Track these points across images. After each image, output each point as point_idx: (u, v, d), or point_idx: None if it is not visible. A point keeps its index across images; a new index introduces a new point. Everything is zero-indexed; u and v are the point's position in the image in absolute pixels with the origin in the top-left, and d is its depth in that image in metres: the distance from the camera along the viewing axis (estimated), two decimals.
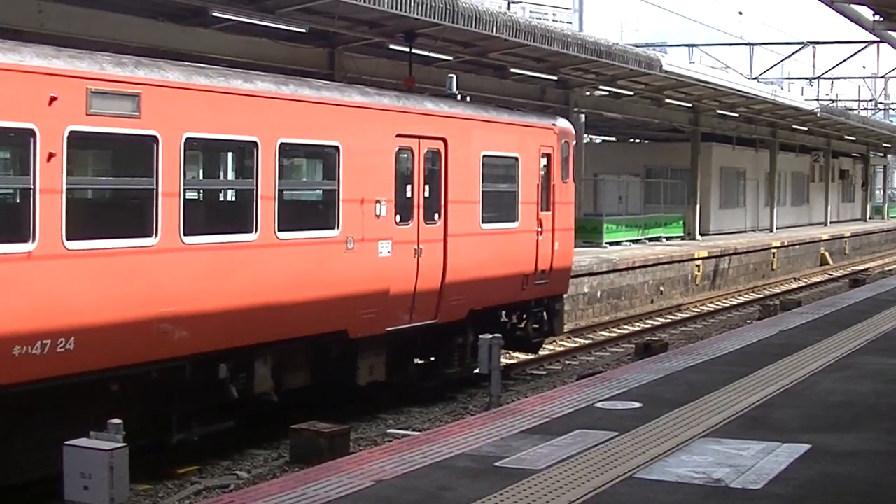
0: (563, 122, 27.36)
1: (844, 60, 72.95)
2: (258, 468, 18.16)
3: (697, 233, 58.06)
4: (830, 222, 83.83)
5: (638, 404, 15.22)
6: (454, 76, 25.34)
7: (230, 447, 19.13)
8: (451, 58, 34.79)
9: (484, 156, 23.74)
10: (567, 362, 30.46)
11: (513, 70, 39.01)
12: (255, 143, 17.78)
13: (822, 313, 26.77)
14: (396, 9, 26.95)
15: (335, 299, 19.51)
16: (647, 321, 39.93)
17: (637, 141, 69.80)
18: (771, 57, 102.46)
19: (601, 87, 45.38)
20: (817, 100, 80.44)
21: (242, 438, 19.63)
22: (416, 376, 23.59)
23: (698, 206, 58.48)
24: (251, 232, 17.79)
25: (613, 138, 71.20)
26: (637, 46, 47.96)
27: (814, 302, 34.62)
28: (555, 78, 41.46)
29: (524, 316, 26.64)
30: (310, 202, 21.01)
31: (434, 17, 28.56)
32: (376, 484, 11.13)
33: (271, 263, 18.09)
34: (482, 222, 23.65)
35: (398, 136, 21.11)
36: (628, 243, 51.23)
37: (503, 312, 25.71)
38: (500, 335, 21.64)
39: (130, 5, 25.34)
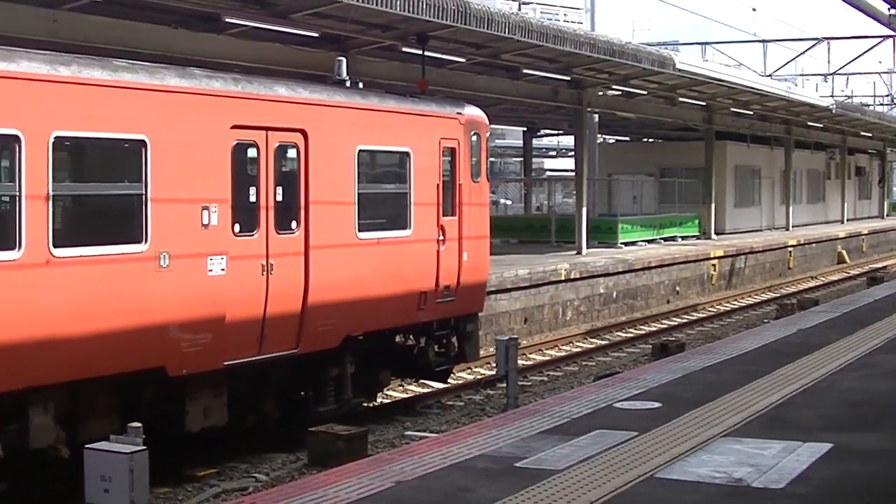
0: (471, 111, 23.78)
1: (860, 56, 72.63)
2: (276, 471, 18.25)
3: (713, 232, 57.88)
4: (847, 220, 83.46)
5: (657, 404, 15.18)
6: (343, 59, 22.15)
7: (248, 450, 19.23)
8: (463, 59, 34.76)
9: (361, 151, 20.09)
10: (584, 363, 30.50)
11: (525, 71, 38.97)
12: (15, 138, 14.48)
13: (840, 312, 26.62)
14: (408, 11, 26.92)
15: (143, 329, 15.93)
16: (664, 321, 39.95)
17: (651, 140, 69.72)
18: (785, 53, 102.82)
19: (614, 86, 45.20)
20: (832, 96, 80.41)
21: (260, 441, 19.74)
22: (280, 416, 19.63)
23: (713, 205, 58.28)
24: (13, 248, 14.46)
25: (627, 138, 71.12)
26: (649, 45, 47.92)
27: (831, 300, 34.59)
28: (567, 78, 41.37)
29: (426, 340, 22.98)
30: (104, 209, 16.41)
31: (446, 19, 28.52)
32: (396, 485, 11.13)
33: (45, 287, 14.77)
34: (359, 231, 19.93)
35: (236, 127, 17.49)
36: (643, 243, 51.13)
37: (396, 337, 22.55)
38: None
39: (144, 13, 25.39)
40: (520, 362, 23.41)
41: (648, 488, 11.08)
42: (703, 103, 54.04)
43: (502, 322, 33.24)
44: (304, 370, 19.51)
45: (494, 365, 23.17)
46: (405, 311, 21.35)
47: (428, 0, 27.32)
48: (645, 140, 69.97)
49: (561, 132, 70.94)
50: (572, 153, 55.76)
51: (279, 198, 18.29)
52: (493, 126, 32.97)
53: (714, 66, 51.91)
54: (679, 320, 40.31)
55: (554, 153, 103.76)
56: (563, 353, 32.08)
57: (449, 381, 25.25)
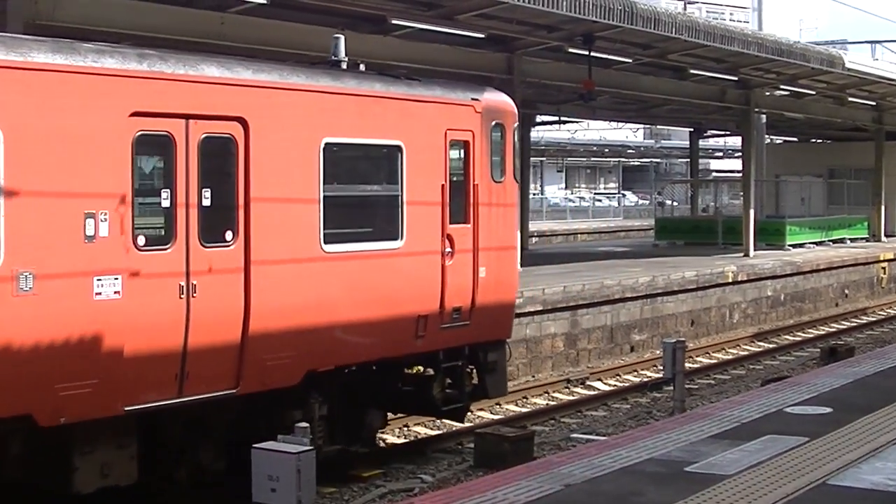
0: (493, 96, 19.19)
1: None
2: (442, 472, 18.20)
3: (882, 234, 56.73)
4: None
5: (828, 409, 14.72)
6: (341, 37, 18.20)
7: (414, 451, 19.24)
8: (630, 60, 34.49)
9: (329, 144, 15.99)
10: (751, 366, 29.99)
11: (692, 71, 38.55)
12: None
13: None
14: (574, 12, 26.73)
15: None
16: (832, 325, 39.15)
17: (819, 141, 68.56)
18: None
19: (782, 86, 44.50)
20: None
21: (426, 442, 19.75)
22: (226, 468, 15.58)
23: (883, 207, 57.09)
24: None
25: (794, 138, 70.04)
26: (817, 44, 47.13)
27: None
28: (735, 78, 40.78)
29: (431, 373, 18.77)
30: None
31: (612, 20, 28.28)
32: (565, 489, 10.96)
33: None
34: (325, 242, 15.83)
35: (138, 114, 13.69)
36: (811, 245, 50.16)
37: (393, 370, 18.19)
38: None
39: (311, 16, 25.59)
40: (686, 365, 23.05)
41: (820, 495, 10.74)
42: (873, 103, 52.87)
43: (669, 324, 32.84)
44: (256, 413, 15.65)
45: (661, 368, 22.70)
46: (395, 339, 17.06)
47: (594, 0, 27.13)
48: (813, 140, 68.83)
49: (728, 133, 70.06)
50: (739, 154, 54.91)
51: (206, 202, 14.43)
52: (659, 127, 32.53)
53: (884, 65, 50.82)
54: (848, 324, 39.40)
55: (720, 154, 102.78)
56: (730, 357, 31.58)
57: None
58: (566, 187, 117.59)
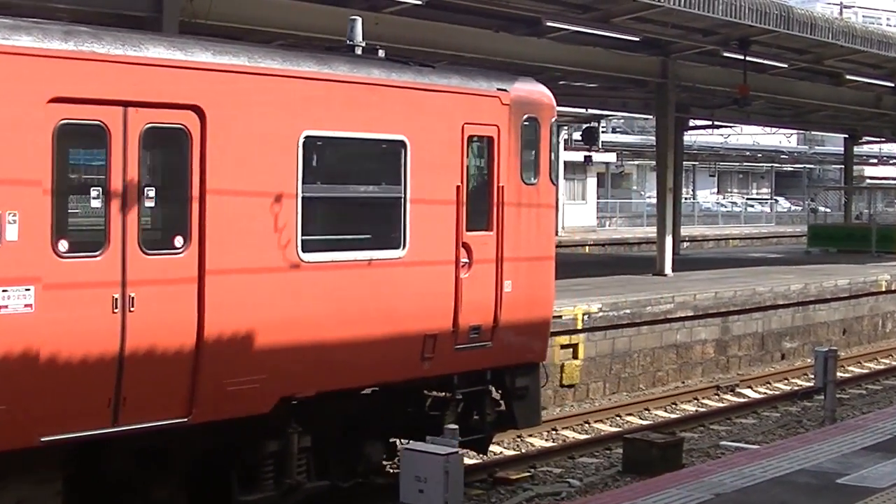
0: (524, 86, 16.64)
1: None
2: (590, 476, 18.00)
3: None
4: None
5: None
6: (357, 19, 16.26)
7: (562, 455, 19.12)
8: (785, 65, 33.99)
9: (310, 138, 13.75)
10: None
11: (848, 77, 37.92)
12: None
13: None
14: (730, 16, 26.40)
15: None
16: None
17: None
18: None
19: None
20: None
21: (574, 447, 19.62)
22: None
23: None
24: None
25: None
26: None
27: None
28: (892, 84, 40.07)
29: (450, 400, 16.26)
30: None
31: (769, 24, 27.86)
32: (715, 497, 10.78)
33: None
34: (303, 250, 13.54)
35: (61, 100, 11.67)
36: None
37: (396, 396, 15.86)
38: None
39: (466, 17, 25.62)
40: (837, 374, 22.58)
41: None
42: None
43: (820, 333, 32.24)
44: (223, 445, 13.67)
45: (811, 377, 22.21)
46: (396, 361, 14.81)
47: (750, 5, 26.75)
48: None
49: (883, 140, 68.82)
50: (894, 161, 53.89)
51: (150, 203, 12.46)
52: (813, 132, 31.86)
53: None
54: None
55: (875, 161, 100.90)
56: (882, 367, 30.93)
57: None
58: (718, 192, 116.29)
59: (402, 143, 14.72)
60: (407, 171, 14.79)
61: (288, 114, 13.53)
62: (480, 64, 20.25)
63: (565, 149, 58.88)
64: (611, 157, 70.28)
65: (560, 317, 23.25)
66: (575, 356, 23.84)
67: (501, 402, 16.75)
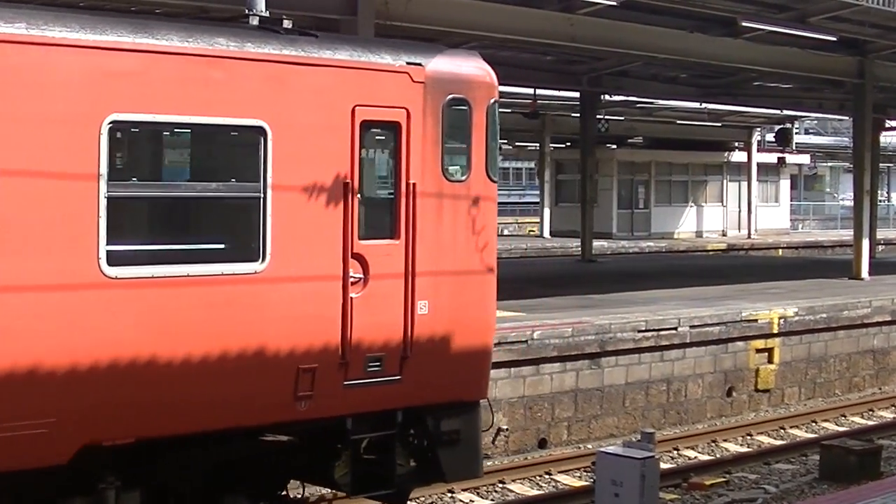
0: (451, 60, 13.47)
1: None
2: (786, 483, 17.49)
3: None
4: None
5: None
6: None
7: (757, 461, 18.72)
8: None
9: (118, 124, 10.90)
10: None
11: None
12: None
13: None
14: None
15: None
16: None
17: None
18: None
19: None
20: None
21: (769, 452, 19.20)
22: None
23: None
24: None
25: None
26: None
27: None
28: None
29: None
30: None
31: None
32: None
33: None
34: (108, 263, 10.77)
35: None
36: None
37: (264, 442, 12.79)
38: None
39: (660, 18, 25.34)
40: None
41: None
42: None
43: None
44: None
45: None
46: (257, 401, 11.81)
47: None
48: None
49: None
50: None
51: None
52: None
53: None
54: None
55: None
56: None
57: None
58: None
59: (260, 131, 11.71)
60: (267, 164, 11.76)
61: (85, 93, 10.81)
62: (674, 65, 19.92)
63: (758, 150, 57.98)
64: (804, 159, 68.91)
65: (755, 320, 22.85)
66: (770, 360, 23.28)
67: (421, 450, 13.48)
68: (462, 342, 13.26)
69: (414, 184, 12.77)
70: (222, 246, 11.87)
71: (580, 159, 37.76)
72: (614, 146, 52.73)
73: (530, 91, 37.13)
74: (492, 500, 16.49)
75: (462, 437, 13.46)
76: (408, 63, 12.83)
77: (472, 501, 16.37)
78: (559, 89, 37.22)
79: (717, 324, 22.17)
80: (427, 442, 13.35)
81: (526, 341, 19.02)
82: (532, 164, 77.77)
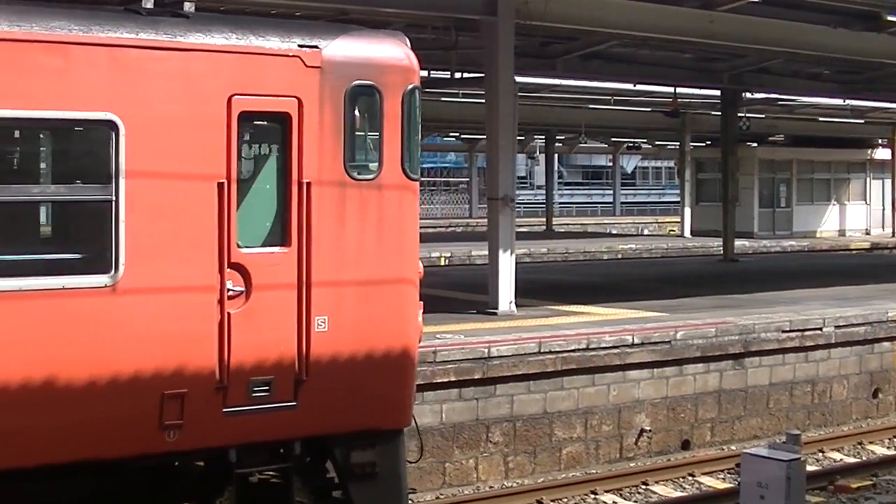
0: (353, 42, 11.65)
1: None
2: None
3: None
4: None
5: None
6: None
7: None
8: None
9: None
10: None
11: None
12: None
13: None
14: None
15: None
16: None
17: None
18: None
19: None
20: None
21: None
22: None
23: None
24: None
25: None
26: None
27: None
28: None
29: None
30: None
31: None
32: None
33: None
34: None
35: None
36: None
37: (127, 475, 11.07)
38: None
39: (802, 13, 24.96)
40: None
41: None
42: None
43: None
44: None
45: None
46: (110, 431, 10.34)
47: None
48: None
49: None
50: None
51: None
52: None
53: None
54: None
55: None
56: None
57: None
58: None
59: (110, 125, 10.26)
60: (119, 163, 10.29)
61: None
62: (818, 61, 19.58)
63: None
64: None
65: None
66: None
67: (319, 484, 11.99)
68: (374, 363, 11.57)
69: (308, 183, 11.14)
70: (65, 256, 10.49)
71: (721, 158, 37.27)
72: (755, 144, 51.95)
73: (670, 89, 36.75)
74: (635, 501, 16.27)
75: (379, 470, 11.85)
76: (300, 46, 11.24)
77: (615, 503, 16.19)
78: (699, 87, 36.79)
79: (863, 324, 21.64)
80: (337, 477, 11.86)
81: (669, 342, 18.79)
82: (672, 164, 77.16)
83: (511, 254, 20.93)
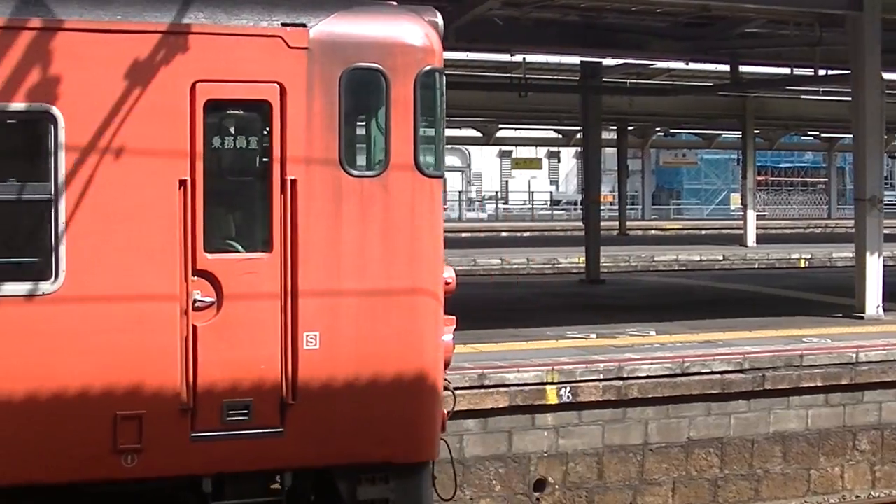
0: (352, 18, 10.09)
1: None
2: None
3: None
4: None
5: None
6: None
7: None
8: None
9: None
10: None
11: None
12: None
13: None
14: None
15: None
16: None
17: None
18: None
19: None
20: None
21: None
22: None
23: None
24: None
25: None
26: None
27: None
28: None
29: None
30: None
31: None
32: None
33: None
34: None
35: None
36: None
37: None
38: None
39: None
40: None
41: None
42: None
43: None
44: None
45: None
46: (55, 453, 9.39)
47: None
48: None
49: None
50: None
51: None
52: None
53: None
54: None
55: None
56: None
57: None
58: None
59: (47, 117, 9.29)
60: (59, 159, 9.31)
61: None
62: None
63: None
64: None
65: None
66: None
67: None
68: (380, 387, 10.08)
69: (293, 180, 9.78)
70: None
71: None
72: None
73: None
74: None
75: None
76: (284, 25, 9.80)
77: None
78: None
79: None
80: None
81: None
82: None
83: (879, 256, 20.14)
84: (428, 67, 10.06)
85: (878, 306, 19.98)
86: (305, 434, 9.83)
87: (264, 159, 9.81)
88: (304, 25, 9.78)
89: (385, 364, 10.02)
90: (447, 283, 10.57)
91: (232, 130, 9.95)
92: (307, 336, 9.80)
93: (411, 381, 10.11)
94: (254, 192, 9.92)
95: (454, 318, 10.65)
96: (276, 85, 9.69)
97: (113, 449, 9.40)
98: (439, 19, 10.35)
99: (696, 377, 14.96)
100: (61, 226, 9.26)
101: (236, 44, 9.63)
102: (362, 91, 9.98)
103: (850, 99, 21.80)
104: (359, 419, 9.98)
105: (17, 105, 9.20)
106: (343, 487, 10.19)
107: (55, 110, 9.24)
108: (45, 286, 9.24)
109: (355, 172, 9.93)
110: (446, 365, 10.63)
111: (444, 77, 10.29)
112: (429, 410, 10.27)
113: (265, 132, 9.80)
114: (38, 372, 9.21)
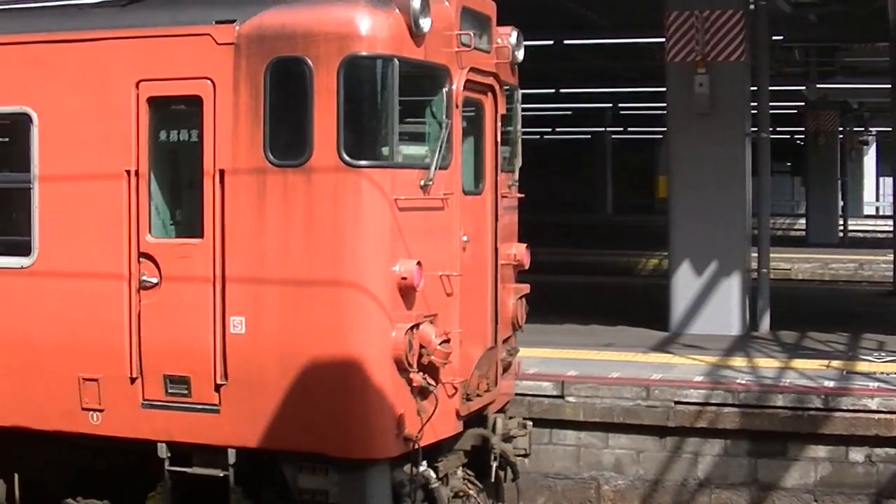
0: (279, 13, 10.08)
1: None
2: None
3: None
4: None
5: None
6: None
7: None
8: None
9: None
10: None
11: None
12: None
13: None
14: None
15: None
16: None
17: None
18: None
19: None
20: None
21: None
22: None
23: None
24: None
25: None
26: None
27: None
28: None
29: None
30: None
31: None
32: None
33: None
34: None
35: None
36: None
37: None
38: None
39: None
40: None
41: None
42: None
43: None
44: None
45: None
46: (35, 404, 10.89)
47: None
48: None
49: None
50: None
51: None
52: None
53: None
54: None
55: None
56: None
57: None
58: None
59: (27, 118, 10.69)
60: (34, 154, 10.70)
61: None
62: None
63: None
64: None
65: None
66: None
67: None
68: (308, 378, 9.89)
69: (222, 170, 10.00)
70: None
71: None
72: None
73: None
74: None
75: (332, 501, 10.18)
76: (217, 22, 10.12)
77: None
78: None
79: None
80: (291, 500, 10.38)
81: None
82: None
83: None
84: (351, 53, 9.69)
85: None
86: (239, 415, 10.05)
87: (198, 150, 10.20)
88: (231, 22, 10.04)
89: (309, 355, 9.91)
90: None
91: (172, 124, 10.55)
92: (234, 320, 10.04)
93: (338, 375, 9.82)
94: (190, 182, 10.33)
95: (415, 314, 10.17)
96: (207, 80, 10.02)
97: (80, 406, 10.56)
98: (415, 4, 9.87)
99: None
100: (35, 210, 10.68)
101: (175, 44, 10.22)
102: (289, 82, 9.87)
103: None
104: (289, 406, 9.94)
105: (5, 108, 10.95)
106: (288, 473, 10.24)
107: (31, 111, 10.67)
108: (24, 261, 10.75)
109: (278, 163, 9.87)
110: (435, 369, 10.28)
111: (391, 63, 9.80)
112: (361, 407, 9.83)
113: (198, 125, 10.19)
114: (18, 332, 10.79)
